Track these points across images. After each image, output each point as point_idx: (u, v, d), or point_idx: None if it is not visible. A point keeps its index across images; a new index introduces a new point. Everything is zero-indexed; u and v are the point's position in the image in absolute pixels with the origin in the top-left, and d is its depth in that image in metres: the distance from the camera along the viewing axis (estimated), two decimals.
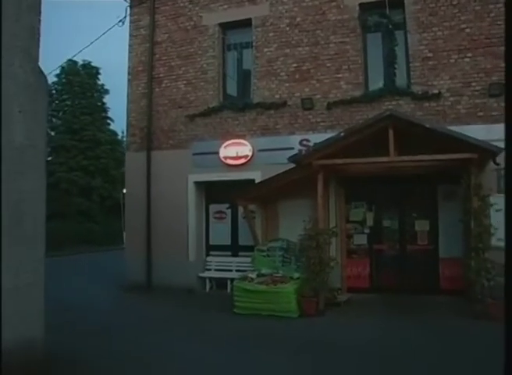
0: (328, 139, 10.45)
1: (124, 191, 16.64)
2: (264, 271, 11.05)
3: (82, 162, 35.41)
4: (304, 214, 11.92)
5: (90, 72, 38.54)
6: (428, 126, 9.59)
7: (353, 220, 12.69)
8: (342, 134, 10.06)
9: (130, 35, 14.79)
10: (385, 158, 9.97)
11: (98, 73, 39.11)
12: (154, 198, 13.96)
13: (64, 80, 37.46)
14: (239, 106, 13.31)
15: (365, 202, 12.69)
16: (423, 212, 12.29)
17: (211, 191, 14.03)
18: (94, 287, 14.74)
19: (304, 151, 10.13)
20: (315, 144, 11.18)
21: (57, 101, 37.57)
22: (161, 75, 14.26)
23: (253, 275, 10.83)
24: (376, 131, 10.07)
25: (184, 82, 13.96)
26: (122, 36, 15.10)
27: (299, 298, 10.17)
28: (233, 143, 13.18)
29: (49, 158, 36.27)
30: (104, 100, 39.28)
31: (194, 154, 13.62)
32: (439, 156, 9.43)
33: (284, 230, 12.38)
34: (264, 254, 11.59)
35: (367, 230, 12.58)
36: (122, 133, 34.93)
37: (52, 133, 36.79)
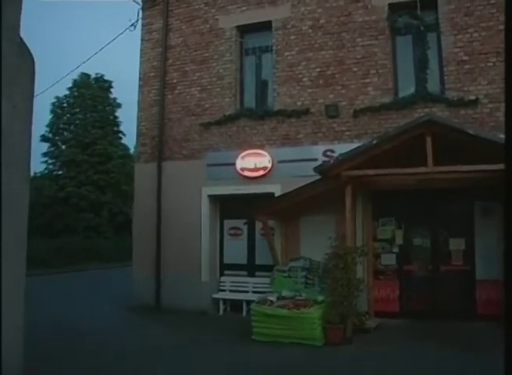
0: (358, 147, 9.46)
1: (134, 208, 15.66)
2: (284, 293, 10.01)
3: (92, 176, 34.60)
4: (327, 231, 11.05)
5: (102, 85, 37.91)
6: (471, 132, 8.54)
7: (381, 238, 11.63)
8: (374, 142, 9.07)
9: (142, 39, 13.97)
10: (422, 169, 8.94)
11: (111, 87, 38.45)
12: (164, 213, 13.02)
13: (76, 93, 36.81)
14: (257, 114, 12.39)
15: (394, 219, 11.61)
16: (458, 229, 11.19)
17: (226, 206, 13.06)
18: (100, 306, 13.74)
19: (331, 161, 9.13)
20: (340, 154, 10.14)
21: (68, 115, 36.90)
22: (174, 81, 13.39)
23: (273, 298, 9.79)
24: (411, 138, 9.07)
25: (199, 88, 13.08)
26: (134, 47, 14.40)
27: (324, 325, 9.11)
28: (251, 153, 12.23)
29: (59, 173, 35.68)
30: (117, 114, 38.54)
31: (209, 165, 12.69)
32: (486, 167, 8.36)
33: (306, 248, 11.37)
34: (285, 274, 10.54)
35: (396, 249, 11.50)
36: (135, 148, 34.22)
37: (63, 147, 36.17)
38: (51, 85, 16.26)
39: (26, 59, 3.71)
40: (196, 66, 13.19)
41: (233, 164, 12.30)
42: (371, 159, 9.35)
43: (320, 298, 9.74)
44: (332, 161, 9.18)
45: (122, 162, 36.61)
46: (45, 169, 36.49)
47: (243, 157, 12.25)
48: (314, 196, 10.38)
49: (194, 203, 12.72)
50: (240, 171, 12.24)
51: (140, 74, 13.86)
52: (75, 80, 37.14)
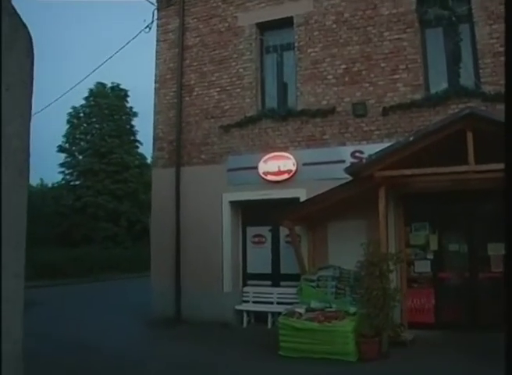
0: (392, 145, 8.78)
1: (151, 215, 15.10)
2: (313, 305, 9.31)
3: (110, 186, 34.18)
4: (357, 237, 10.33)
5: (118, 94, 37.60)
6: None
7: (414, 244, 10.86)
8: (411, 139, 8.36)
9: (157, 40, 13.45)
10: (464, 167, 8.20)
11: (127, 96, 38.14)
12: (183, 220, 12.41)
13: (92, 103, 36.57)
14: (280, 115, 11.75)
15: (428, 223, 10.84)
16: (497, 233, 10.35)
17: (248, 212, 12.40)
18: (118, 319, 13.15)
19: (364, 160, 8.45)
20: (373, 153, 9.40)
21: (85, 125, 36.66)
22: (191, 82, 12.82)
23: (301, 309, 9.09)
24: (450, 135, 8.35)
25: (217, 89, 12.49)
26: (150, 52, 13.96)
27: (357, 338, 8.39)
28: (274, 156, 11.58)
29: (76, 183, 35.37)
30: (133, 123, 38.21)
31: (229, 170, 12.07)
32: None
33: (334, 255, 10.68)
34: (314, 284, 9.84)
35: (430, 256, 10.71)
36: (152, 155, 33.84)
37: (80, 157, 35.89)
38: (62, 94, 15.79)
39: (19, 32, 3.10)
40: (214, 67, 12.61)
41: (256, 168, 11.67)
42: (406, 159, 8.65)
43: (352, 309, 9.03)
44: (364, 160, 8.47)
45: (139, 172, 36.19)
46: (62, 179, 36.26)
47: (265, 160, 11.61)
48: (343, 200, 9.71)
49: (215, 210, 12.11)
50: (263, 175, 11.60)
51: (155, 76, 13.32)
52: (91, 90, 36.94)
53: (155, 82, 13.31)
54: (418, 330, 9.80)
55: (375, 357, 8.24)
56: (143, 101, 30.09)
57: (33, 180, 35.92)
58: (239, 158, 12.00)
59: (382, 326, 8.39)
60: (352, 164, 9.10)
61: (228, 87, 12.37)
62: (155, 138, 13.10)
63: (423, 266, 10.75)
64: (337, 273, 9.87)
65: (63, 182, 36.14)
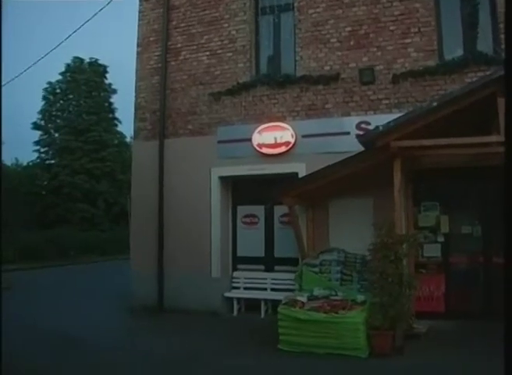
0: (411, 112, 7.70)
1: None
2: (317, 292, 8.26)
3: (87, 165, 32.84)
4: (362, 218, 9.45)
5: (96, 70, 36.10)
6: None
7: (423, 226, 9.86)
8: (434, 104, 7.28)
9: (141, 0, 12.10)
10: (494, 138, 7.16)
11: (106, 72, 36.63)
12: (167, 198, 11.25)
13: (69, 78, 35.05)
14: (277, 81, 10.59)
15: (439, 203, 9.85)
16: None
17: (239, 189, 11.29)
18: (95, 307, 11.98)
19: (381, 127, 7.36)
20: (377, 126, 8.29)
21: (61, 101, 35.20)
22: (178, 45, 11.57)
23: (303, 298, 8.02)
24: (476, 102, 7.28)
25: (207, 53, 11.27)
26: (132, 29, 12.72)
27: (368, 331, 7.36)
28: (270, 127, 10.44)
29: (52, 161, 33.92)
30: (112, 100, 36.73)
31: (220, 141, 10.90)
32: None
33: (336, 237, 9.65)
34: (316, 269, 8.77)
35: (441, 239, 9.72)
36: (131, 138, 32.52)
37: (56, 135, 34.40)
38: (28, 66, 14.40)
39: None
40: (204, 28, 11.37)
41: (249, 140, 10.52)
42: (424, 128, 7.58)
43: (360, 297, 8.01)
44: (381, 128, 7.37)
45: (118, 151, 34.99)
46: (37, 157, 34.87)
47: (260, 131, 10.46)
48: (348, 175, 8.62)
49: (203, 186, 10.97)
50: (258, 148, 10.47)
51: (138, 39, 12.04)
52: (68, 65, 35.44)
53: (137, 45, 12.03)
54: (428, 321, 8.82)
55: (388, 352, 7.23)
56: (123, 77, 28.80)
57: (8, 160, 34.40)
58: (230, 129, 10.84)
59: (397, 318, 7.35)
60: (366, 132, 8.00)
61: (219, 51, 11.16)
62: (137, 107, 11.85)
63: (432, 250, 9.77)
64: (342, 256, 8.84)
65: (38, 160, 34.67)
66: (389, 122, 7.46)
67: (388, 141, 7.42)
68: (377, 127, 7.46)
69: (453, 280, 9.58)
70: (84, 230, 31.42)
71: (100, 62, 36.37)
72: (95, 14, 14.24)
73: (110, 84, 36.76)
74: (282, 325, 7.69)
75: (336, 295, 8.16)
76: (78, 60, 35.58)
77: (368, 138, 7.63)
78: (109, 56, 51.23)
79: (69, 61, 35.28)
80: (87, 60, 36.01)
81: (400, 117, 7.67)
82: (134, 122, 11.89)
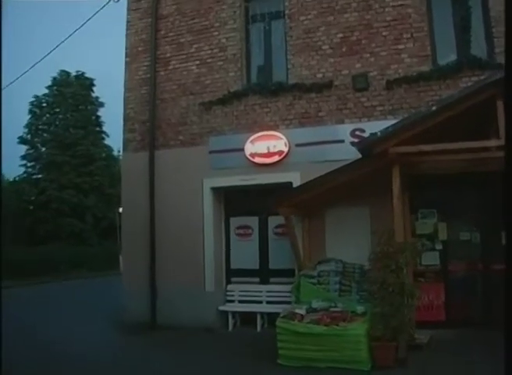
0: (409, 117, 7.53)
1: (120, 209, 13.64)
2: (315, 304, 8.00)
3: (74, 179, 32.41)
4: (358, 227, 9.36)
5: (83, 83, 35.76)
6: None
7: (421, 233, 9.67)
8: (434, 108, 7.12)
9: (128, 9, 11.93)
10: (493, 142, 7.01)
11: (93, 85, 36.30)
12: (158, 211, 10.99)
13: (56, 92, 34.69)
14: (269, 89, 10.40)
15: (436, 210, 9.68)
16: None
17: (232, 200, 11.05)
18: (85, 324, 11.56)
19: (378, 133, 7.18)
20: (372, 134, 8.12)
21: (48, 115, 34.79)
22: (167, 55, 11.36)
23: (301, 310, 7.77)
24: (476, 105, 7.14)
25: (197, 62, 11.07)
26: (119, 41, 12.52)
27: (371, 343, 7.13)
28: (263, 136, 10.23)
29: (39, 176, 33.49)
30: (99, 113, 36.39)
31: (211, 152, 10.68)
32: None
33: (332, 247, 9.45)
34: (314, 280, 8.54)
35: (439, 246, 9.56)
36: (119, 151, 32.30)
37: (43, 149, 34.00)
38: (15, 78, 14.10)
39: None
40: (193, 37, 11.17)
41: (241, 149, 10.30)
42: (422, 134, 7.41)
43: (360, 308, 7.78)
44: (379, 134, 7.18)
45: (106, 164, 34.59)
46: (24, 172, 34.38)
47: (253, 141, 10.25)
48: (344, 184, 8.43)
49: (195, 198, 10.72)
50: (250, 157, 10.25)
51: (126, 49, 11.82)
52: (54, 78, 35.12)
53: (126, 56, 11.81)
54: (428, 330, 8.60)
55: (391, 364, 7.02)
56: (110, 90, 28.55)
57: None
58: (222, 139, 10.61)
59: (399, 328, 7.13)
60: (363, 138, 7.80)
61: (209, 60, 10.96)
62: (126, 118, 11.59)
63: (431, 258, 9.59)
64: (340, 267, 8.62)
65: (25, 175, 34.20)
66: (387, 127, 7.29)
67: (386, 148, 7.24)
68: (374, 134, 7.27)
69: (453, 288, 9.40)
70: (72, 244, 30.95)
71: (87, 75, 36.11)
72: (79, 27, 14.14)
73: (97, 98, 36.47)
74: (281, 339, 7.45)
75: (336, 307, 7.91)
76: (64, 73, 35.28)
77: (366, 145, 7.44)
78: (96, 69, 50.98)
79: (55, 74, 34.99)
80: (74, 73, 35.70)
81: (397, 123, 7.51)
82: (123, 133, 11.62)
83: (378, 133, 7.18)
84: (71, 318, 12.56)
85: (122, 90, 11.79)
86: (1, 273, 15.24)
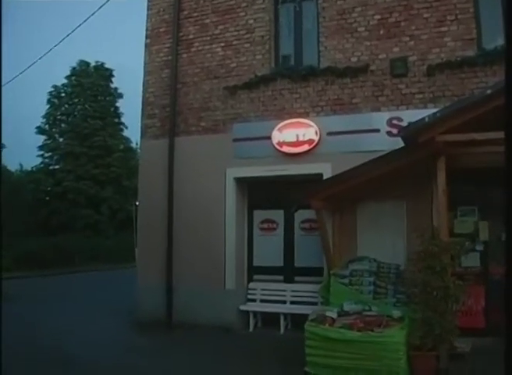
0: (459, 102, 6.76)
1: (137, 202, 13.03)
2: (347, 307, 7.29)
3: (92, 170, 32.11)
4: (393, 223, 8.70)
5: (102, 74, 35.47)
6: None
7: (459, 233, 8.87)
8: (489, 91, 6.35)
9: None
10: None
11: (112, 76, 35.97)
12: (177, 202, 10.35)
13: (74, 82, 34.37)
14: (299, 73, 9.68)
15: (477, 208, 8.88)
16: None
17: (256, 192, 10.36)
18: (99, 320, 10.99)
19: (427, 119, 6.44)
20: (410, 123, 7.38)
21: (66, 105, 34.54)
22: (190, 36, 10.70)
23: (332, 314, 7.05)
24: None
25: (222, 44, 10.39)
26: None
27: (409, 352, 6.43)
28: (292, 124, 9.52)
29: (56, 167, 33.18)
30: (118, 104, 36.01)
31: (236, 140, 10.00)
32: None
33: (365, 245, 8.74)
34: (346, 281, 7.80)
35: (480, 247, 8.76)
36: (137, 144, 31.83)
37: (60, 140, 33.66)
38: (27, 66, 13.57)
39: None
40: (219, 18, 10.49)
41: (268, 138, 9.60)
42: (470, 122, 6.64)
43: (396, 313, 7.04)
44: (427, 119, 6.43)
45: (123, 156, 34.18)
46: (41, 162, 34.13)
47: (280, 128, 9.54)
48: (380, 176, 7.68)
49: (216, 189, 10.05)
50: (278, 146, 9.54)
51: (146, 31, 11.18)
52: (73, 68, 34.84)
53: (146, 37, 11.17)
54: (468, 338, 7.83)
55: None
56: (129, 81, 28.09)
57: (12, 165, 33.74)
58: (247, 126, 9.91)
59: (442, 336, 6.40)
60: (409, 124, 7.03)
61: (235, 42, 10.27)
62: (145, 103, 10.96)
63: (471, 260, 8.79)
64: (374, 266, 7.87)
65: (42, 166, 33.90)
66: (435, 113, 6.53)
67: (433, 136, 6.48)
68: (422, 119, 6.51)
69: (494, 293, 8.57)
70: (88, 236, 30.62)
71: (106, 65, 35.78)
72: (93, 13, 13.58)
73: (116, 89, 36.15)
74: (309, 344, 6.73)
75: (370, 310, 7.19)
76: (84, 63, 34.98)
77: (411, 132, 6.66)
78: (116, 60, 50.69)
79: (74, 64, 34.67)
80: (93, 64, 35.36)
81: (445, 108, 6.74)
82: (142, 119, 10.99)
83: (426, 119, 6.41)
84: (81, 313, 11.99)
85: (142, 74, 11.17)
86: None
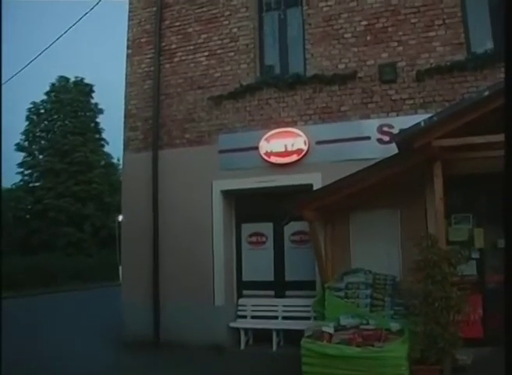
0: (454, 106, 6.55)
1: (120, 218, 12.66)
2: (345, 321, 6.98)
3: (72, 187, 31.58)
4: (387, 233, 8.38)
5: (82, 89, 35.06)
6: None
7: (454, 241, 8.64)
8: (486, 93, 6.16)
9: None
10: None
11: (92, 91, 35.56)
12: (163, 216, 10.01)
13: (54, 98, 33.92)
14: (286, 82, 9.45)
15: (471, 215, 8.68)
16: None
17: (244, 205, 10.06)
18: (82, 341, 10.53)
19: (422, 123, 6.22)
20: (401, 130, 7.19)
21: (46, 122, 34.02)
22: (173, 46, 10.44)
23: (329, 329, 6.75)
24: None
25: (206, 54, 10.13)
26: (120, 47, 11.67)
27: (412, 366, 6.19)
28: (280, 133, 9.26)
29: (36, 184, 32.59)
30: (98, 120, 35.58)
31: (222, 151, 9.72)
32: None
33: (359, 256, 8.47)
34: (341, 294, 7.52)
35: (475, 255, 8.53)
36: (118, 160, 31.44)
37: (40, 156, 33.14)
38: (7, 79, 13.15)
39: None
40: (202, 27, 10.24)
41: (256, 148, 9.33)
42: (465, 127, 6.45)
43: (394, 325, 6.78)
44: (423, 123, 6.21)
45: (104, 172, 33.73)
46: (20, 180, 33.45)
47: (268, 138, 9.28)
48: (373, 184, 7.46)
49: (203, 202, 9.74)
50: (266, 157, 9.27)
51: (128, 41, 10.91)
52: (53, 84, 34.38)
53: (127, 48, 10.90)
54: (466, 349, 7.57)
55: None
56: (109, 97, 27.78)
57: None
58: (233, 137, 9.64)
59: (446, 349, 6.14)
60: (403, 130, 6.80)
61: (219, 51, 10.02)
62: (127, 116, 10.65)
63: (467, 268, 8.52)
64: (370, 278, 7.61)
65: (22, 183, 33.26)
66: (431, 116, 6.32)
67: (429, 141, 6.26)
68: (417, 124, 6.29)
69: (491, 302, 8.36)
70: (70, 254, 30.01)
71: (86, 81, 35.35)
72: (69, 28, 13.22)
73: (96, 104, 35.74)
74: (306, 362, 6.44)
75: (368, 324, 6.91)
76: (63, 79, 34.59)
77: (406, 137, 6.44)
78: (95, 75, 50.26)
79: (53, 80, 34.24)
80: (73, 79, 34.94)
81: (441, 112, 6.54)
82: (124, 132, 10.67)
83: (422, 123, 6.19)
84: (63, 334, 11.51)
85: (123, 88, 10.87)
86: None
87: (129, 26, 10.92)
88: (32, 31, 76.96)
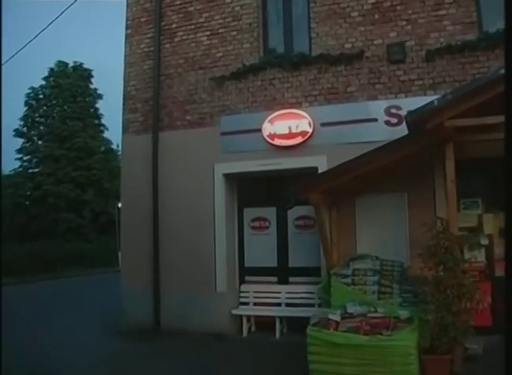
0: (470, 84, 6.25)
1: (119, 204, 12.42)
2: (351, 308, 6.73)
3: (72, 173, 31.21)
4: (394, 216, 8.21)
5: (81, 74, 34.50)
6: None
7: (463, 226, 8.38)
8: (501, 71, 5.86)
9: None
10: None
11: (91, 76, 35.06)
12: (162, 201, 9.77)
13: (53, 83, 33.43)
14: (290, 62, 9.14)
15: (481, 199, 8.41)
16: None
17: (247, 188, 9.82)
18: (82, 330, 10.29)
19: (436, 102, 5.94)
20: (411, 110, 6.87)
21: (45, 107, 33.52)
22: (173, 25, 10.12)
23: (335, 316, 6.50)
24: None
25: (207, 33, 9.82)
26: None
27: (420, 355, 5.94)
28: (284, 115, 8.98)
29: (35, 170, 32.28)
30: (98, 105, 35.16)
31: (224, 133, 9.44)
32: None
33: (365, 241, 8.28)
34: (348, 280, 7.26)
35: (484, 241, 8.21)
36: (118, 146, 31.08)
37: (39, 142, 32.77)
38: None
39: None
40: (203, 5, 9.92)
41: (258, 130, 9.06)
42: (477, 108, 6.17)
43: (403, 313, 6.51)
44: (436, 102, 5.92)
45: (104, 158, 33.37)
46: (20, 166, 33.11)
47: (272, 120, 9.00)
48: (380, 167, 7.19)
49: (204, 186, 9.49)
50: (269, 139, 9.00)
51: (126, 20, 10.59)
52: (51, 69, 33.91)
53: (126, 28, 10.58)
54: (476, 337, 7.34)
55: None
56: (109, 82, 27.39)
57: None
58: (236, 119, 9.36)
59: (457, 338, 5.90)
60: (415, 110, 6.49)
61: (221, 30, 9.71)
62: (126, 97, 10.36)
63: (475, 254, 8.32)
64: (377, 265, 7.34)
65: (21, 169, 32.93)
66: (445, 95, 6.03)
67: (441, 121, 5.97)
68: (430, 103, 6.00)
69: (501, 289, 8.10)
70: (69, 241, 29.78)
71: (85, 66, 34.83)
72: (62, 13, 12.95)
73: (95, 89, 35.24)
74: (312, 351, 6.18)
75: (376, 312, 6.65)
76: (62, 64, 34.05)
77: (418, 116, 6.14)
78: (95, 60, 49.76)
79: (52, 65, 33.79)
80: (72, 64, 34.44)
81: (455, 90, 6.25)
82: (123, 114, 10.38)
83: (435, 102, 5.90)
84: (62, 321, 11.31)
85: (122, 72, 10.56)
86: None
87: (127, 5, 10.59)
88: (30, 15, 76.17)
